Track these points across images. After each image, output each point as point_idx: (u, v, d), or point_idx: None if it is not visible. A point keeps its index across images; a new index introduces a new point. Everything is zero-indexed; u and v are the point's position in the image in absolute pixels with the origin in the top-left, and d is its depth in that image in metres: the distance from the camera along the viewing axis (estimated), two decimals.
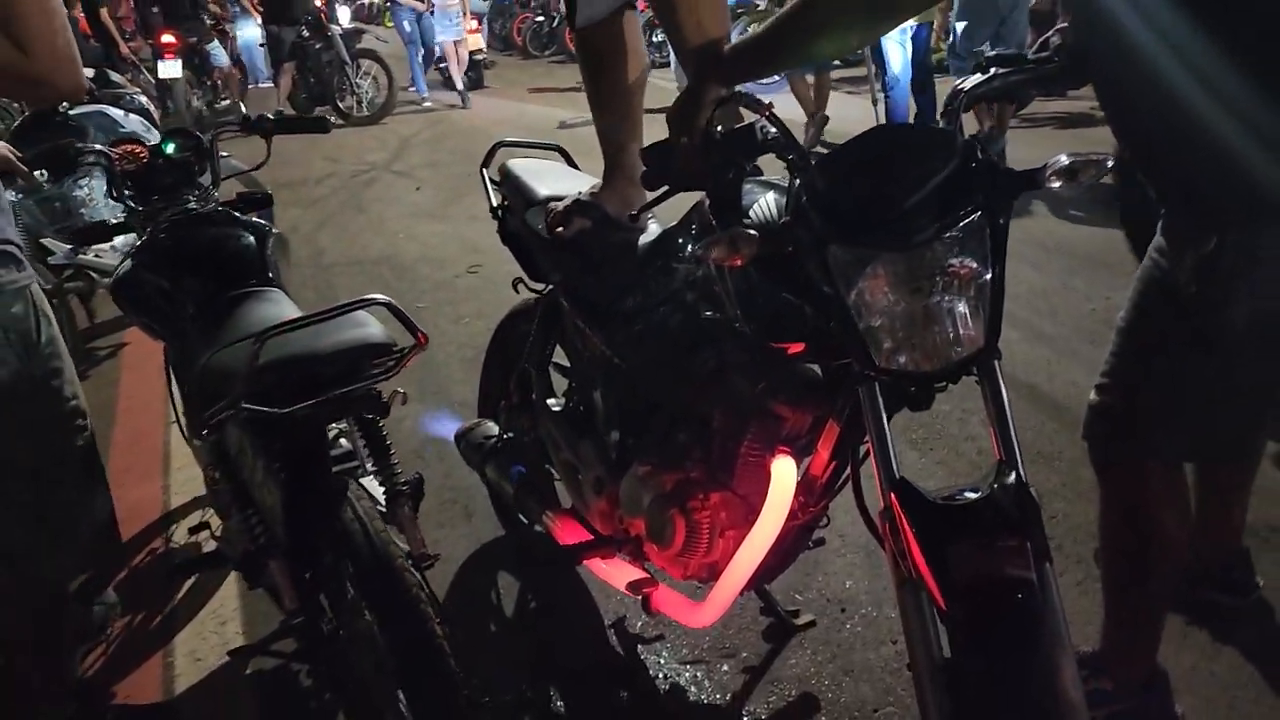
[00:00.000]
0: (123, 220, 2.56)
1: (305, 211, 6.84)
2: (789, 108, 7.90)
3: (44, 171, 2.86)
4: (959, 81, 1.70)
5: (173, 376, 2.67)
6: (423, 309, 4.82)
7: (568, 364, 2.59)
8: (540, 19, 15.41)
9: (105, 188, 2.86)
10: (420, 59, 11.59)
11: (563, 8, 9.43)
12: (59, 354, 1.90)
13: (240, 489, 2.06)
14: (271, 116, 2.75)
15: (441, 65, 11.90)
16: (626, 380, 2.22)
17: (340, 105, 10.59)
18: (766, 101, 1.71)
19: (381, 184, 7.78)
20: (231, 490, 2.08)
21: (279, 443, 1.88)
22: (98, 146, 2.61)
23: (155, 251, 2.40)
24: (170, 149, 2.60)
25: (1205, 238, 1.69)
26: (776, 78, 8.05)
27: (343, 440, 2.21)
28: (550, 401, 2.56)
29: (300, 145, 9.03)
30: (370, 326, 1.94)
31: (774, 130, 1.68)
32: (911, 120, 6.85)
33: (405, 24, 11.37)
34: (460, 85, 11.18)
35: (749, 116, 1.77)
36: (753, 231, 1.56)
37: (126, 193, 2.57)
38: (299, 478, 1.87)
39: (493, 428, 2.68)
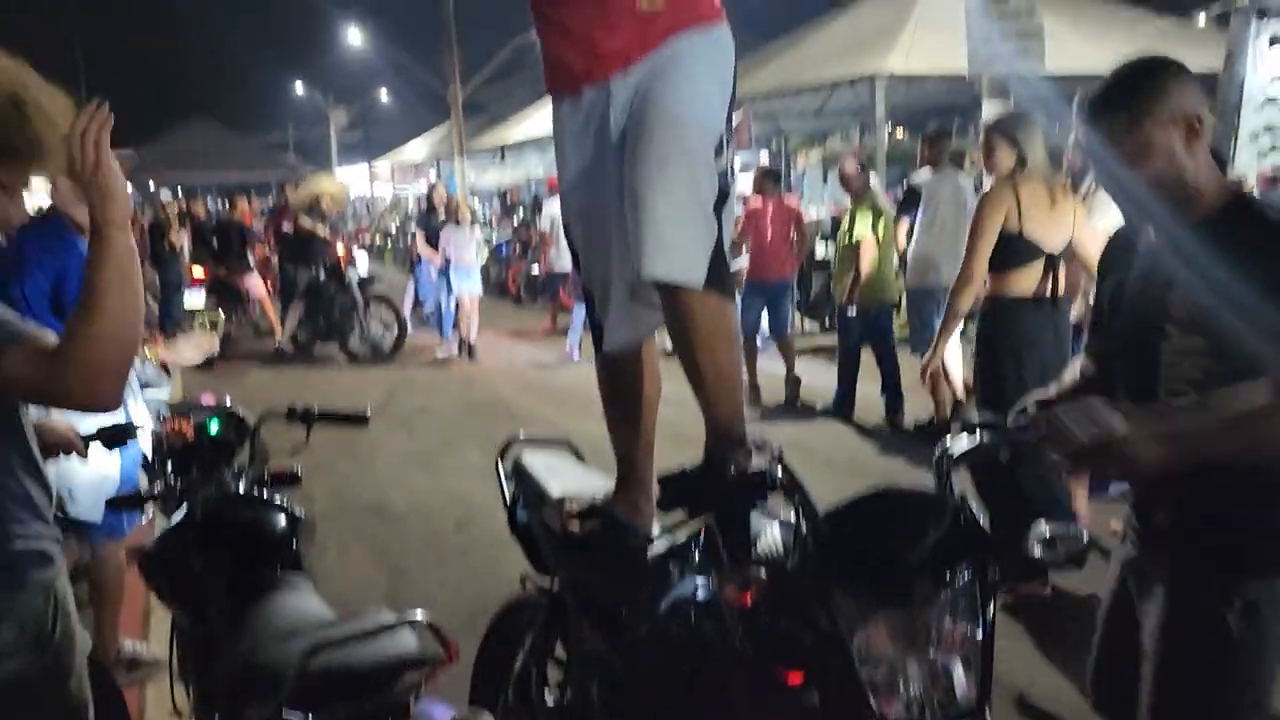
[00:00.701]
0: (158, 492, 2.72)
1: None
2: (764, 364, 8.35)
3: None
4: (948, 444, 1.90)
5: (175, 644, 2.73)
6: (409, 577, 4.88)
7: (565, 658, 2.62)
8: (535, 268, 16.13)
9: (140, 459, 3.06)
10: (412, 304, 11.78)
11: (554, 267, 9.87)
12: (71, 647, 1.97)
13: None
14: (317, 410, 2.97)
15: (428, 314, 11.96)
16: (626, 684, 2.26)
17: (348, 346, 10.98)
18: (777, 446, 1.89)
19: (373, 428, 7.89)
20: None
21: None
22: (151, 427, 2.81)
23: (192, 529, 2.54)
24: (214, 429, 2.79)
25: (1245, 586, 1.87)
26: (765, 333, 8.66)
27: None
28: (547, 694, 2.59)
29: (294, 382, 9.29)
30: (404, 636, 2.06)
31: (783, 477, 1.81)
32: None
33: (433, 274, 11.33)
34: (473, 338, 11.05)
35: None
36: (761, 573, 1.70)
37: (168, 467, 2.76)
38: None
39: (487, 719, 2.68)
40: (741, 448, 1.94)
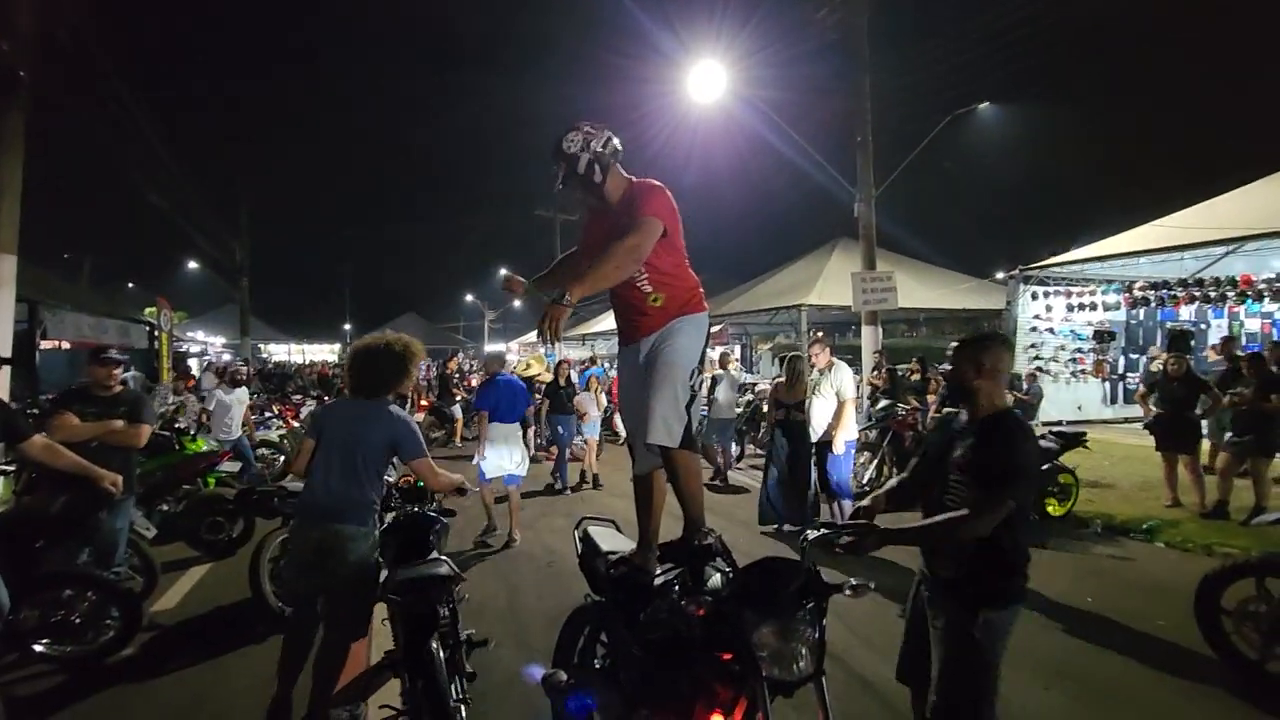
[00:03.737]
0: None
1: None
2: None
3: None
4: (808, 534, 2.10)
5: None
6: (519, 593, 4.92)
7: (606, 640, 2.65)
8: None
9: None
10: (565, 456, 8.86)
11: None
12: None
13: None
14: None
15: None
16: (638, 656, 2.30)
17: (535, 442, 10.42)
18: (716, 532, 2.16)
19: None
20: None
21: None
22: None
23: (390, 529, 3.25)
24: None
25: (980, 612, 2.07)
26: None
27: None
28: (596, 661, 2.64)
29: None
30: (444, 568, 2.78)
31: (718, 547, 2.09)
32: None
33: (560, 428, 8.88)
34: (595, 469, 8.89)
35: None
36: (708, 599, 1.94)
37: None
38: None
39: (563, 675, 2.54)
40: (701, 532, 2.20)
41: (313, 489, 2.99)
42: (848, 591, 1.88)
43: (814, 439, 6.29)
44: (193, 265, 26.57)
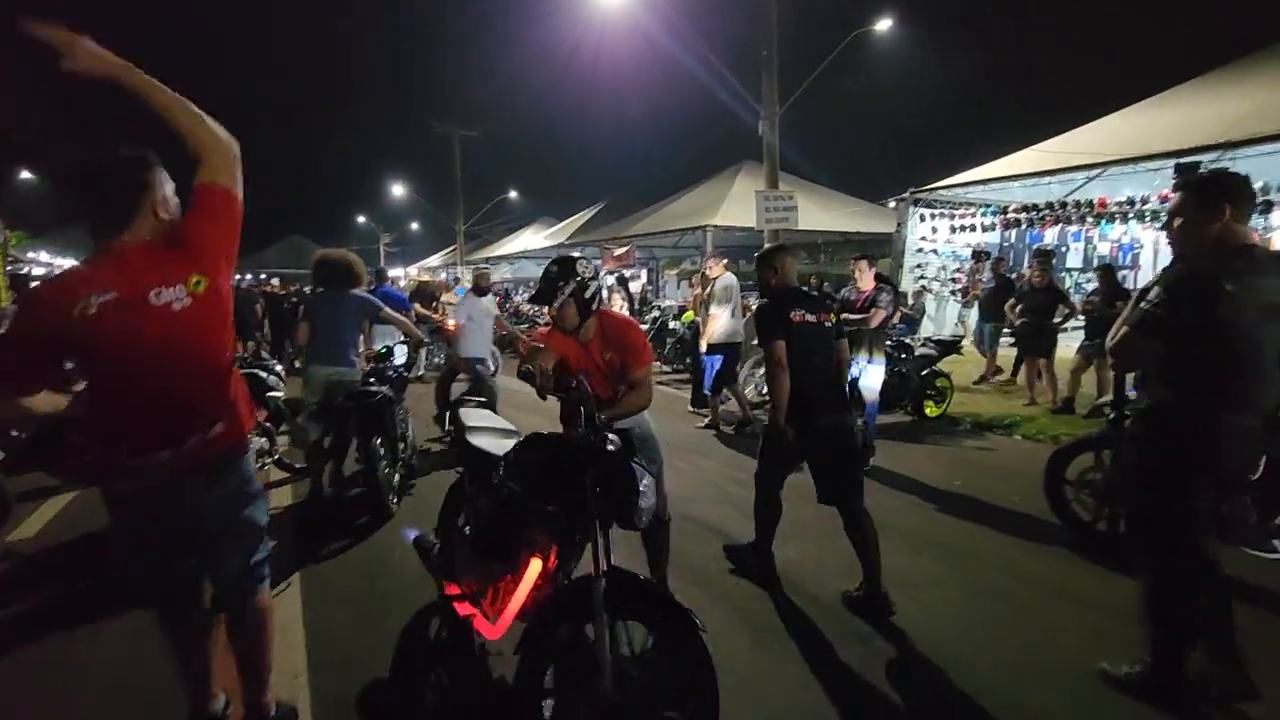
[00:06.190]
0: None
1: None
2: None
3: None
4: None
5: None
6: (436, 480, 4.95)
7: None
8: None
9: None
10: None
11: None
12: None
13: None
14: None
15: None
16: (486, 511, 2.55)
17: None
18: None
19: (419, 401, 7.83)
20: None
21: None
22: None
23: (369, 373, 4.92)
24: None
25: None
26: None
27: None
28: (460, 523, 2.85)
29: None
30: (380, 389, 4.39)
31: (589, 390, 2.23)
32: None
33: None
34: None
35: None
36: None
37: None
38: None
39: (430, 537, 2.94)
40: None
41: (317, 348, 4.64)
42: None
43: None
44: (27, 175, 23.19)
